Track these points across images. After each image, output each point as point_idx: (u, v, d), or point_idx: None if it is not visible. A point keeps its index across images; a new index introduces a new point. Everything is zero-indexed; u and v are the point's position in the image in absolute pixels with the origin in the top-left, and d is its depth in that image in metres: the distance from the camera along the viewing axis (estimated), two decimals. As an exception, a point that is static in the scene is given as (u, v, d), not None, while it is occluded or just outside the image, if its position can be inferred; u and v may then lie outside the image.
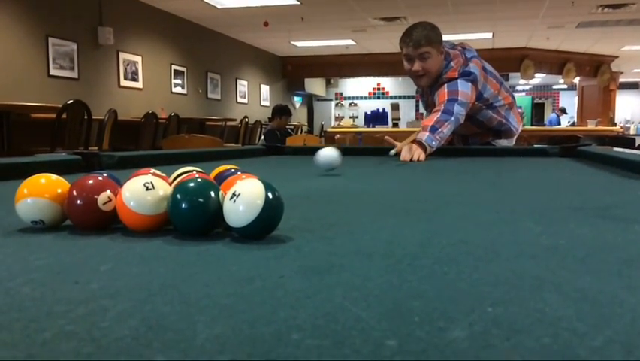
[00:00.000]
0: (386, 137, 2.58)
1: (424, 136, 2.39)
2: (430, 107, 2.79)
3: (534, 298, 0.46)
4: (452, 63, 2.60)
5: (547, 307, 0.43)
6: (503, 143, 2.87)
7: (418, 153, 2.29)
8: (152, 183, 0.72)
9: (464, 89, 2.52)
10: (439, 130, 2.42)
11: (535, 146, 3.45)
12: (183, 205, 0.69)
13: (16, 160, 1.60)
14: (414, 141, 2.38)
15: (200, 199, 0.69)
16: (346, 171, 1.93)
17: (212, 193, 0.70)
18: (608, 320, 0.40)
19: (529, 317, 0.41)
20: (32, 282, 0.51)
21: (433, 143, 2.39)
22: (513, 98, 2.85)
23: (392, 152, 2.38)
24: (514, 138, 2.93)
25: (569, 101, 16.71)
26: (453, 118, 2.46)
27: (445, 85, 2.55)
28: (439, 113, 2.47)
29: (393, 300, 0.45)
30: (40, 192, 0.76)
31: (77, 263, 0.59)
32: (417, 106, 15.06)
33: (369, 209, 1.03)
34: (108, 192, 0.75)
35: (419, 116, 14.04)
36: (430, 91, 2.72)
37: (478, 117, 2.73)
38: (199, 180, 0.72)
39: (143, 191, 0.71)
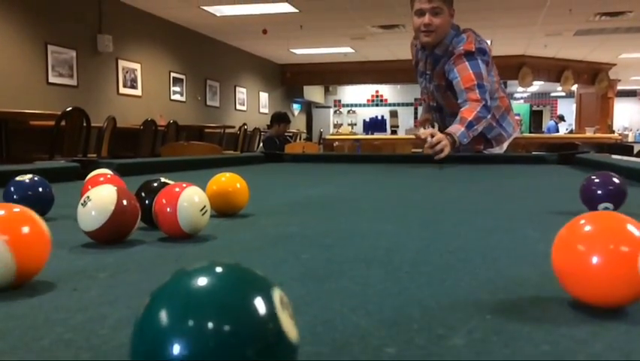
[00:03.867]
0: (413, 130, 2.55)
1: (459, 131, 2.31)
2: (432, 81, 2.66)
3: (533, 305, 0.46)
4: (464, 35, 2.54)
5: (546, 314, 0.43)
6: (495, 151, 2.79)
7: (443, 145, 2.22)
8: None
9: (485, 72, 2.47)
10: (475, 128, 2.36)
11: (533, 153, 3.45)
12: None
13: (15, 168, 1.60)
14: (446, 133, 2.30)
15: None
16: (345, 179, 1.93)
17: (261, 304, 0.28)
18: (607, 326, 0.40)
19: (528, 324, 0.41)
20: (30, 289, 0.51)
21: (465, 140, 2.33)
22: (509, 101, 2.83)
23: (420, 132, 2.30)
24: (505, 143, 2.84)
25: (567, 109, 16.75)
26: (489, 116, 2.40)
27: (467, 63, 2.46)
28: (480, 108, 2.38)
29: (392, 307, 0.45)
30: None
31: (75, 270, 0.59)
32: (415, 113, 15.09)
33: (368, 216, 1.03)
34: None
35: (417, 123, 14.04)
36: (434, 61, 2.62)
37: None
38: (221, 270, 0.29)
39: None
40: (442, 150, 2.24)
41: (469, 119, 2.34)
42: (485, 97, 2.42)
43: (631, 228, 0.43)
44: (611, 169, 1.82)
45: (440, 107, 2.77)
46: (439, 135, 2.27)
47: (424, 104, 3.13)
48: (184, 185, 0.76)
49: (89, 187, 0.95)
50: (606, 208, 0.93)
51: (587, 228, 0.45)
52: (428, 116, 3.07)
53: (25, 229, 0.51)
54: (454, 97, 2.59)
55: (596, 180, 0.94)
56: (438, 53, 2.59)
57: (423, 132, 2.32)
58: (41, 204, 0.90)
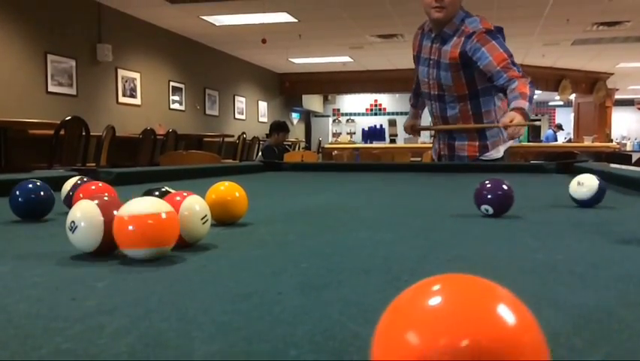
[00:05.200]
0: (412, 138, 2.57)
1: (525, 105, 2.29)
2: (440, 63, 2.62)
3: (532, 314, 0.46)
4: (476, 17, 2.56)
5: (545, 323, 0.43)
6: (492, 155, 2.72)
7: (520, 129, 2.25)
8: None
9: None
10: (532, 102, 2.37)
11: (532, 162, 3.46)
12: None
13: (13, 177, 1.59)
14: (517, 110, 2.28)
15: None
16: (344, 187, 1.94)
17: None
18: (606, 336, 0.40)
19: (527, 333, 0.41)
20: (29, 298, 0.51)
21: (529, 114, 2.34)
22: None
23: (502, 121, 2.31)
24: (501, 147, 2.76)
25: (565, 118, 16.79)
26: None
27: (494, 42, 2.46)
28: (529, 83, 2.38)
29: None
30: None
31: (74, 280, 0.59)
32: (414, 122, 15.08)
33: (367, 225, 1.03)
34: None
35: (413, 132, 14.03)
36: (442, 41, 2.60)
37: (482, 99, 2.62)
38: None
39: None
40: (518, 132, 2.27)
41: (529, 94, 2.33)
42: (523, 72, 2.43)
43: (503, 311, 0.25)
44: (609, 178, 1.82)
45: (442, 94, 2.68)
46: (518, 117, 2.25)
47: (411, 110, 3.14)
48: (185, 194, 0.76)
49: (80, 195, 0.97)
50: (486, 210, 1.02)
51: (433, 302, 0.26)
52: (414, 122, 3.07)
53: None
54: (466, 77, 2.56)
55: (488, 186, 1.02)
56: (448, 32, 2.58)
57: (503, 121, 2.30)
58: (43, 206, 1.02)
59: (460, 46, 2.53)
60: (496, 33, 2.50)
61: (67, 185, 1.10)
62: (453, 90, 2.64)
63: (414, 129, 3.09)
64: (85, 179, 1.12)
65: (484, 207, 1.02)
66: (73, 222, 0.68)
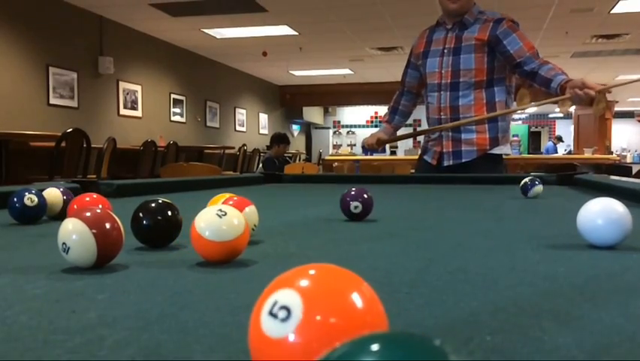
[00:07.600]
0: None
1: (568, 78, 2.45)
2: (461, 48, 2.64)
3: (533, 326, 0.46)
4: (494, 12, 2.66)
5: (546, 335, 0.43)
6: (502, 150, 2.73)
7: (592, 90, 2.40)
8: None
9: None
10: None
11: (532, 174, 3.45)
12: None
13: (14, 189, 1.59)
14: (572, 84, 2.42)
15: None
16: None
17: None
18: (607, 348, 0.40)
19: (528, 346, 0.41)
20: (29, 311, 0.51)
21: None
22: None
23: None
24: (508, 145, 2.80)
25: (566, 130, 16.81)
26: None
27: (520, 32, 2.58)
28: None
29: (392, 328, 0.45)
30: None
31: (75, 292, 0.58)
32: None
33: (366, 236, 1.03)
34: None
35: (416, 144, 14.12)
36: (461, 27, 2.64)
37: (496, 89, 2.64)
38: None
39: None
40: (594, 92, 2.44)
41: (563, 70, 2.51)
42: None
43: (356, 298, 0.32)
44: (609, 190, 1.82)
45: (456, 82, 2.66)
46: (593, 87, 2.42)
47: (384, 125, 3.13)
48: (235, 198, 0.91)
49: (75, 207, 1.01)
50: (356, 207, 1.19)
51: (303, 283, 0.31)
52: (382, 134, 3.05)
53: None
54: (488, 62, 2.60)
55: (352, 193, 1.21)
56: (469, 19, 2.64)
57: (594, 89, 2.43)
58: (39, 211, 1.12)
59: (489, 29, 2.59)
60: (516, 25, 2.62)
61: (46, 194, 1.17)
62: (472, 75, 2.63)
63: (379, 142, 3.00)
64: (61, 189, 1.20)
65: (354, 204, 1.19)
66: (64, 243, 0.68)
